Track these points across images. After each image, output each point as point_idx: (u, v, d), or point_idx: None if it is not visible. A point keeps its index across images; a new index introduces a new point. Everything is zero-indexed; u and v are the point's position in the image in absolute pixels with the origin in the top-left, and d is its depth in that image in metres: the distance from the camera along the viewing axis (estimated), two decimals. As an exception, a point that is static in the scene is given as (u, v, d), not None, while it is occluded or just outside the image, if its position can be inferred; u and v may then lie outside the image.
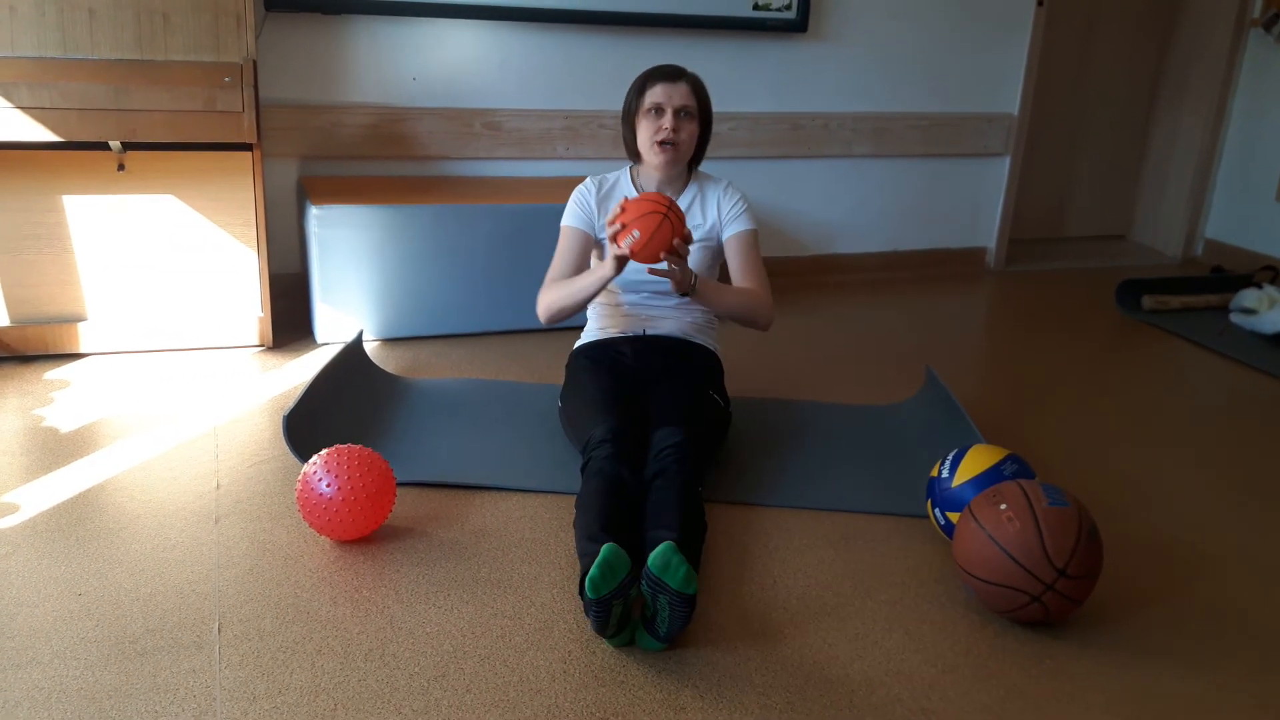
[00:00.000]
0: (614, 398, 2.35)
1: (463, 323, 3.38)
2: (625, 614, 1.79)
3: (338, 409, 2.59)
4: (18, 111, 2.71)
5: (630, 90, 2.48)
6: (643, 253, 2.15)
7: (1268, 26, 4.58)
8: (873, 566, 2.13)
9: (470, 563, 2.07)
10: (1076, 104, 5.05)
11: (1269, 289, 3.91)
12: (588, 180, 2.57)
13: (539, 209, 3.27)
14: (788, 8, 3.89)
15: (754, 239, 2.52)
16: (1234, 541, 2.32)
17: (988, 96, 4.45)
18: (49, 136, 2.76)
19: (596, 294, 2.38)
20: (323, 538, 2.13)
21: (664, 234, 2.14)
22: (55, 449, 2.46)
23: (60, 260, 2.93)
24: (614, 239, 2.18)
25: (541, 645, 1.82)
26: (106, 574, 1.97)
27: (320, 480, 2.04)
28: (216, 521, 2.18)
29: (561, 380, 2.61)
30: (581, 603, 1.84)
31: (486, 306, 3.36)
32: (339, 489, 2.02)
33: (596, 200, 2.53)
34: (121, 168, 2.91)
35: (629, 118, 2.48)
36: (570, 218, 2.53)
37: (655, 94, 2.40)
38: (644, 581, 1.77)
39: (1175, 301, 4.05)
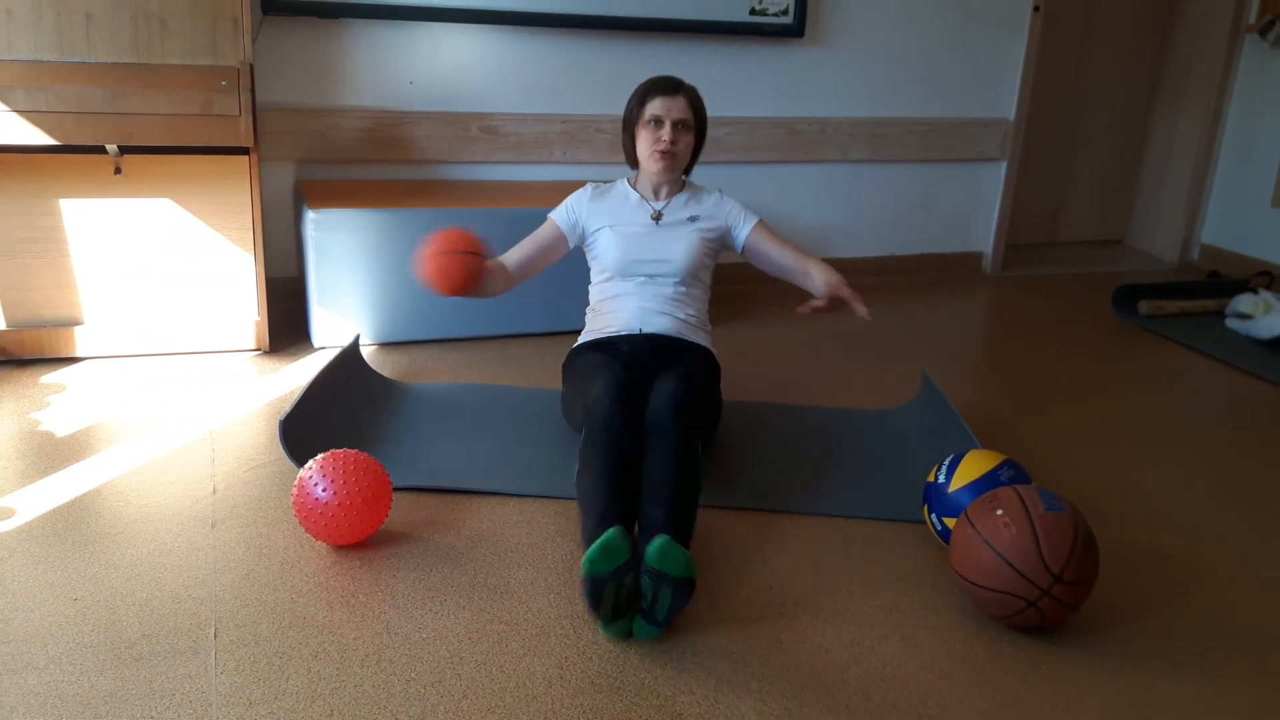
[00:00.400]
0: (616, 364, 2.43)
1: (459, 327, 3.37)
2: (618, 602, 1.82)
3: (334, 413, 2.59)
4: (14, 115, 2.71)
5: (631, 101, 2.59)
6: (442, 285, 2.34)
7: (1263, 32, 4.60)
8: (869, 572, 2.14)
9: (467, 568, 2.07)
10: (1073, 109, 5.06)
11: (1265, 294, 3.91)
12: (587, 186, 2.69)
13: (536, 213, 3.23)
14: (784, 12, 3.90)
15: (768, 226, 2.70)
16: (1230, 547, 2.33)
17: (984, 101, 4.46)
18: (46, 140, 2.75)
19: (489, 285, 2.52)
20: (319, 543, 2.12)
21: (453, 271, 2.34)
22: (51, 453, 2.45)
23: (57, 264, 2.93)
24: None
25: (538, 651, 1.82)
26: (102, 579, 1.96)
27: (316, 485, 2.03)
28: (212, 526, 2.17)
29: (558, 384, 2.62)
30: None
31: (483, 311, 3.36)
32: (335, 494, 2.02)
33: (589, 208, 2.64)
34: (118, 171, 2.91)
35: (629, 127, 2.60)
36: (557, 214, 2.67)
37: (655, 106, 2.52)
38: (645, 575, 1.82)
39: (1171, 306, 4.05)
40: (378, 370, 2.99)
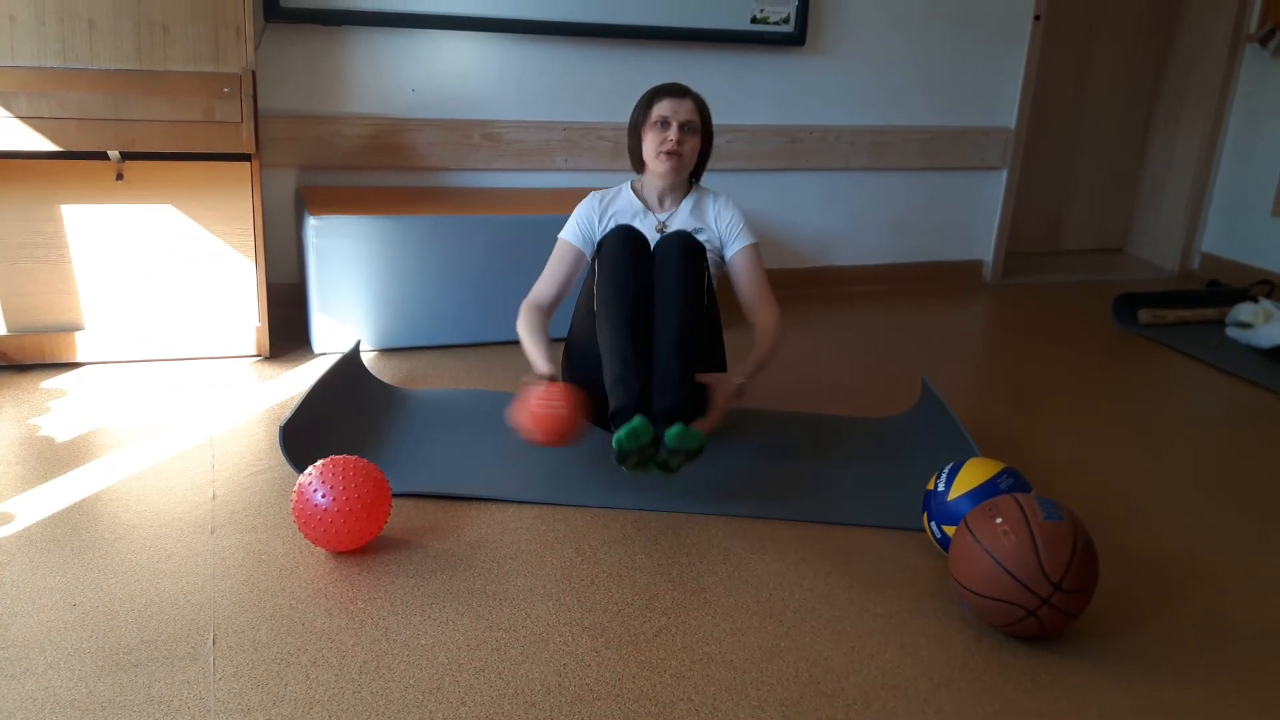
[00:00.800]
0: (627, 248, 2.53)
1: (460, 333, 3.38)
2: (640, 461, 2.24)
3: (334, 419, 2.59)
4: (17, 121, 2.72)
5: (638, 105, 2.61)
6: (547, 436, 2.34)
7: (1263, 42, 4.61)
8: (868, 580, 2.13)
9: (466, 575, 2.07)
10: (1074, 117, 5.07)
11: (1265, 303, 3.92)
12: (591, 197, 2.67)
13: (537, 220, 3.27)
14: (786, 21, 3.91)
15: (757, 253, 2.69)
16: (1230, 555, 2.33)
17: (985, 110, 4.46)
18: (48, 146, 2.76)
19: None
20: (318, 549, 2.12)
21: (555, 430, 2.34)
22: (51, 458, 2.46)
23: (58, 269, 2.93)
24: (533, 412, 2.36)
25: (537, 659, 1.82)
26: (101, 584, 1.96)
27: (316, 491, 2.03)
28: (212, 532, 2.17)
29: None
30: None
31: (484, 317, 3.36)
32: (334, 500, 2.02)
33: (599, 218, 2.64)
34: (120, 177, 2.92)
35: (635, 130, 2.62)
36: (569, 233, 2.65)
37: (662, 108, 2.55)
38: (665, 451, 2.24)
39: (1171, 315, 4.05)
40: (378, 376, 3.00)
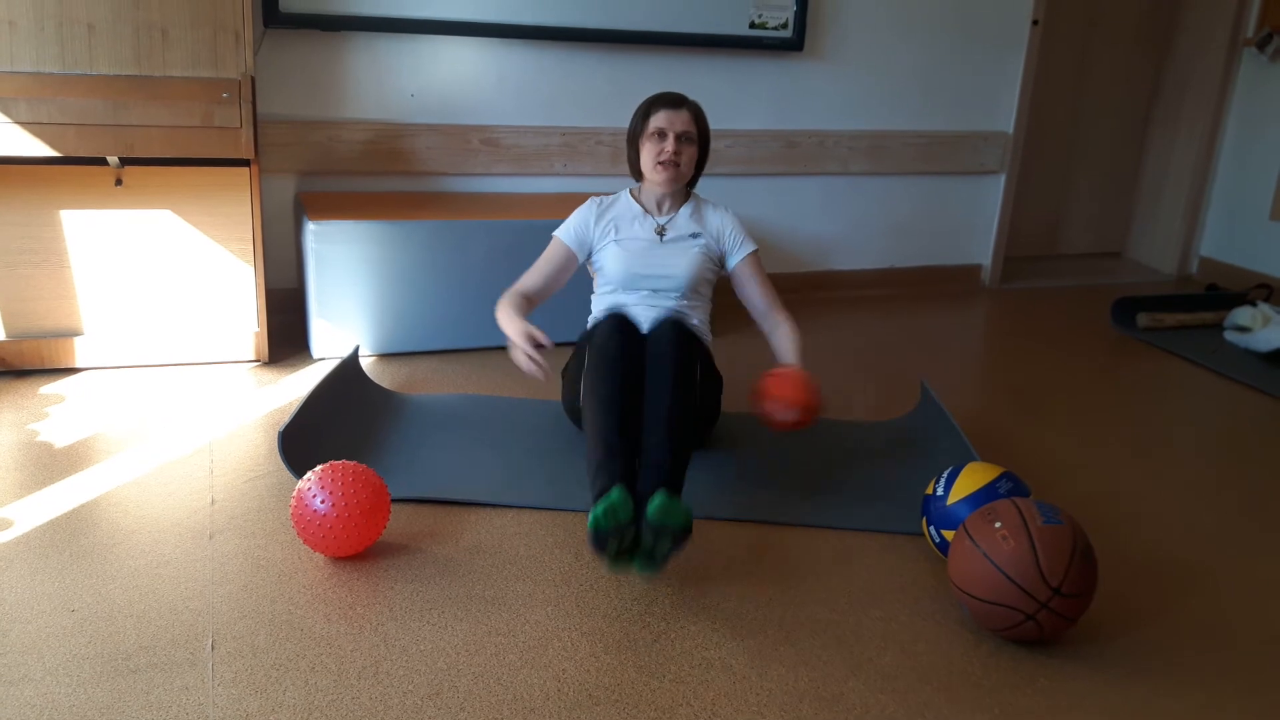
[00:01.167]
0: (619, 315, 2.48)
1: (459, 338, 3.38)
2: (621, 548, 2.00)
3: (333, 425, 2.59)
4: (16, 127, 2.72)
5: (635, 115, 2.62)
6: (782, 427, 2.34)
7: (1261, 46, 4.61)
8: (867, 584, 2.13)
9: (465, 580, 2.06)
10: (1072, 122, 5.08)
11: (1263, 306, 3.92)
12: (591, 201, 2.69)
13: (536, 225, 3.27)
14: (784, 26, 3.91)
15: (759, 260, 2.72)
16: (1228, 559, 2.33)
17: (983, 114, 4.47)
18: (47, 151, 2.76)
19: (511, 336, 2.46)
20: (317, 554, 2.12)
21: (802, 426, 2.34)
22: (50, 464, 2.46)
23: (57, 275, 2.93)
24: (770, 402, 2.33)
25: (536, 663, 1.82)
26: (100, 590, 1.96)
27: (315, 496, 2.03)
28: (211, 537, 2.17)
29: (558, 396, 2.63)
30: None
31: (483, 322, 3.35)
32: (333, 505, 2.02)
33: (596, 223, 2.65)
34: (119, 183, 2.92)
35: (634, 140, 2.63)
36: (564, 233, 2.67)
37: (659, 119, 2.55)
38: (646, 530, 1.98)
39: (1170, 319, 4.06)
40: (377, 381, 3.00)
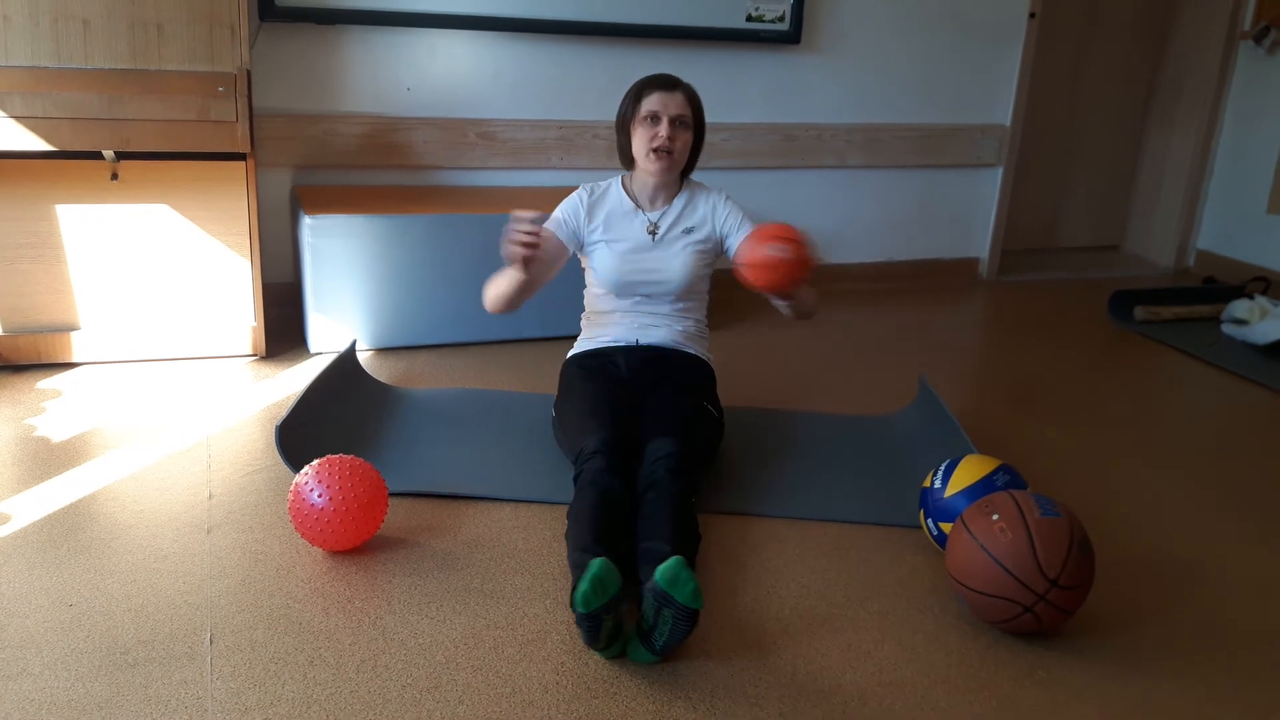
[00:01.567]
0: (607, 407, 2.35)
1: (456, 332, 3.38)
2: (617, 628, 1.79)
3: (330, 419, 2.59)
4: (11, 121, 2.71)
5: (626, 97, 2.50)
6: (775, 272, 2.18)
7: (1258, 39, 4.61)
8: (865, 577, 2.14)
9: (463, 573, 2.06)
10: (1069, 115, 5.07)
11: (1260, 300, 3.92)
12: (581, 189, 2.59)
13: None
14: (781, 19, 3.91)
15: None
16: (1225, 553, 2.33)
17: (980, 108, 4.47)
18: (43, 146, 2.76)
19: (512, 292, 2.38)
20: (315, 548, 2.12)
21: (796, 270, 2.18)
22: (47, 459, 2.45)
23: (53, 269, 2.93)
24: (762, 241, 2.19)
25: (534, 656, 1.82)
26: (98, 584, 1.96)
27: (312, 491, 2.03)
28: (208, 532, 2.17)
29: (554, 389, 2.62)
30: (573, 615, 1.82)
31: (480, 316, 3.34)
32: (331, 499, 2.02)
33: (586, 211, 2.55)
34: (115, 177, 2.91)
35: (624, 124, 2.50)
36: (553, 221, 2.55)
37: (651, 102, 2.42)
38: (649, 595, 1.76)
39: (1167, 312, 4.06)
40: (374, 375, 2.99)
